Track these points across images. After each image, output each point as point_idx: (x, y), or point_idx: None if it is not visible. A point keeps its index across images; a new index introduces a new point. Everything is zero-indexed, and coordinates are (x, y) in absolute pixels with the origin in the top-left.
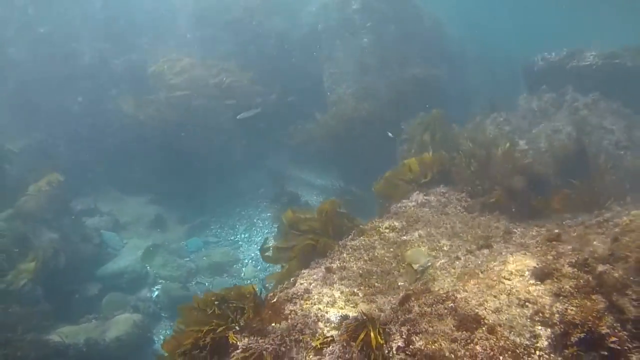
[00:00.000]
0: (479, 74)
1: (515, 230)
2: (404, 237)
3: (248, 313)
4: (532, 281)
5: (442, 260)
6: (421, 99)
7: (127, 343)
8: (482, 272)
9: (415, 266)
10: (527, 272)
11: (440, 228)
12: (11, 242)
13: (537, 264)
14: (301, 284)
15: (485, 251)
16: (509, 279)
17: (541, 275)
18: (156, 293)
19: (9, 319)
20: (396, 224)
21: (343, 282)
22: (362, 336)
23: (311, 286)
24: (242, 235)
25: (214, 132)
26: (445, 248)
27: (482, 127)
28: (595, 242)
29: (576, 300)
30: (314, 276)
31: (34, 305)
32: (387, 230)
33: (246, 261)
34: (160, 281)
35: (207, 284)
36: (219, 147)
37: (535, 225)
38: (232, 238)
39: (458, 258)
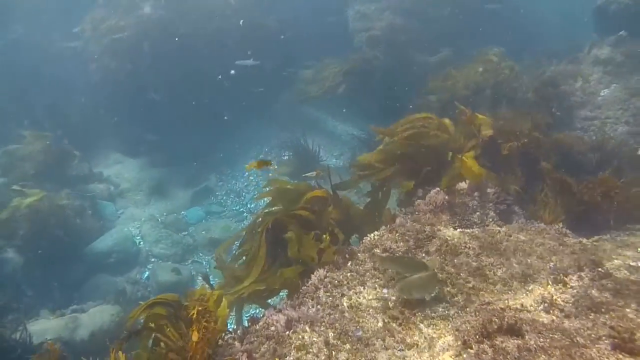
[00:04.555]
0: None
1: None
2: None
3: None
4: None
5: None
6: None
7: (101, 339)
8: None
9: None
10: None
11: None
12: None
13: None
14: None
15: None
16: None
17: None
18: (146, 274)
19: None
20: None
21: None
22: None
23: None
24: (248, 206)
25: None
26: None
27: None
28: None
29: None
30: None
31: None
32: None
33: None
34: (152, 260)
35: (204, 262)
36: (225, 94)
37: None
38: (237, 208)
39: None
